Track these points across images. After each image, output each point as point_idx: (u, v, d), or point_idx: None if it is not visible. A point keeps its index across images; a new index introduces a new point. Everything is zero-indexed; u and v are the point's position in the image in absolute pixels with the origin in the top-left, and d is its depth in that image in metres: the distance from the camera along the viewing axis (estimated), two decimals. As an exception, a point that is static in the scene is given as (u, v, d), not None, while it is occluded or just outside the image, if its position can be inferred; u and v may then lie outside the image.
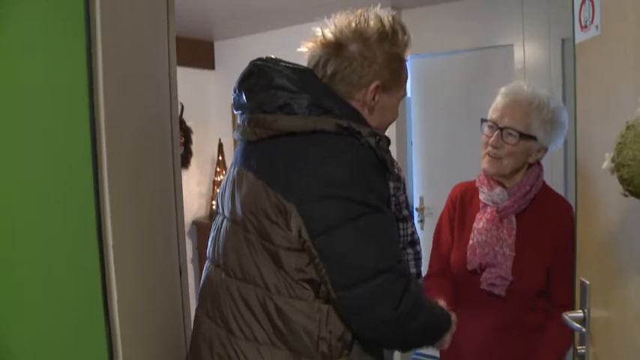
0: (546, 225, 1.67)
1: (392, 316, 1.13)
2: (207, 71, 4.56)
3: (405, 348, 1.30)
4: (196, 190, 4.58)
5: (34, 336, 0.83)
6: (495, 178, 1.74)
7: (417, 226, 4.04)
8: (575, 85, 1.28)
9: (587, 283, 1.26)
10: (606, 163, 0.84)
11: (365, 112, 1.26)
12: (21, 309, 0.82)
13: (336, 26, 1.25)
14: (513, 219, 1.70)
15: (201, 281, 1.34)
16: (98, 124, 0.93)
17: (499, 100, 1.72)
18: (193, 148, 4.30)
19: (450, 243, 1.86)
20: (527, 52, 3.46)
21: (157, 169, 1.34)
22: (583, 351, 1.29)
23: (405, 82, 1.34)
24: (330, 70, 1.24)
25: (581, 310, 1.28)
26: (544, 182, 1.74)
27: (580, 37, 1.23)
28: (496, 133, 1.68)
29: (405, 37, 1.28)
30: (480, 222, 1.73)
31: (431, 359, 3.96)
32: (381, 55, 1.24)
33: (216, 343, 1.21)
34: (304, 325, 1.14)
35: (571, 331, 1.33)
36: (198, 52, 4.47)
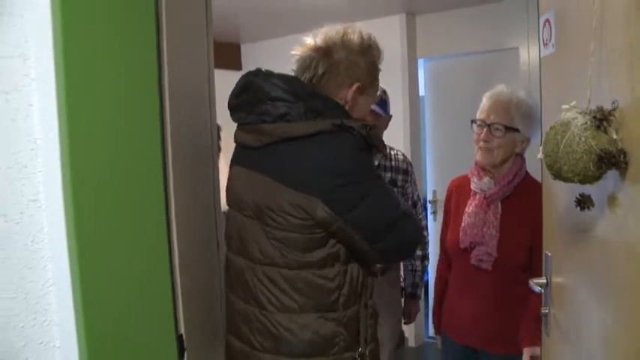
0: (527, 209, 1.94)
1: (410, 244, 1.54)
2: (234, 72, 4.86)
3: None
4: (224, 184, 4.89)
5: (117, 289, 1.14)
6: (485, 170, 2.04)
7: (430, 217, 4.31)
8: (541, 91, 1.56)
9: (549, 254, 1.54)
10: (539, 154, 1.12)
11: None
12: (110, 266, 1.12)
13: (325, 35, 1.47)
14: (499, 204, 1.98)
15: (225, 268, 1.57)
16: (165, 123, 1.23)
17: (484, 103, 2.04)
18: (222, 144, 4.62)
19: (446, 228, 2.16)
20: (532, 55, 3.69)
21: (203, 162, 1.64)
22: (546, 311, 1.56)
23: (376, 91, 1.61)
24: (320, 70, 1.43)
25: (544, 277, 1.56)
26: (527, 172, 2.02)
27: (543, 52, 1.51)
28: (485, 129, 1.98)
29: (379, 52, 1.53)
30: (470, 207, 2.03)
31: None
32: (363, 62, 1.47)
33: (252, 320, 1.45)
34: (326, 288, 1.39)
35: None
36: (226, 55, 4.79)
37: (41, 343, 1.10)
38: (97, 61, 1.07)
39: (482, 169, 2.05)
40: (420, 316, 4.46)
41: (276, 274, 1.39)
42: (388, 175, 2.47)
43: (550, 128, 1.09)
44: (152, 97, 1.16)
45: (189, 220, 1.44)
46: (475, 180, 2.05)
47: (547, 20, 1.49)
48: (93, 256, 1.07)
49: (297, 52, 1.49)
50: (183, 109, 1.41)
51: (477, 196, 2.03)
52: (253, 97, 1.41)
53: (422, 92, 4.47)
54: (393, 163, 2.49)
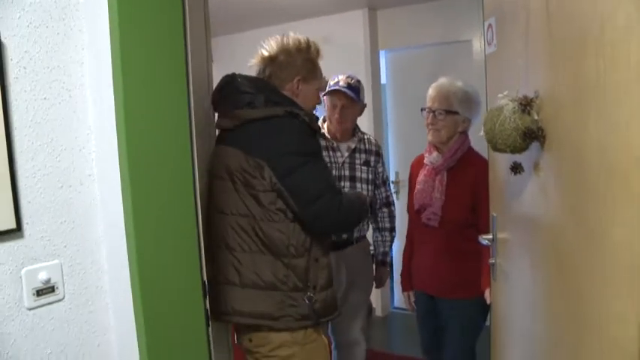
0: (468, 176, 2.37)
1: (337, 218, 1.83)
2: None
3: (344, 230, 2.18)
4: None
5: (160, 246, 1.41)
6: (436, 146, 2.46)
7: (394, 195, 4.65)
8: (486, 82, 1.90)
9: (495, 215, 1.89)
10: (481, 132, 1.46)
11: (294, 99, 1.91)
12: (152, 226, 1.39)
13: (270, 46, 1.94)
14: (444, 173, 2.41)
15: (206, 227, 1.85)
16: (190, 116, 1.51)
17: (430, 93, 2.48)
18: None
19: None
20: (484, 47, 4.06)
21: (210, 137, 1.97)
22: (493, 261, 1.92)
23: (320, 78, 2.03)
24: (267, 72, 1.93)
25: (491, 234, 1.91)
26: (470, 147, 2.44)
27: (487, 50, 1.85)
28: (431, 114, 2.41)
29: (314, 49, 1.99)
30: (420, 176, 2.48)
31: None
32: (299, 59, 1.93)
33: (224, 261, 1.82)
34: (279, 238, 1.78)
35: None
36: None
37: (97, 287, 1.40)
38: (140, 64, 1.35)
39: (434, 146, 2.47)
40: (387, 288, 4.84)
41: (245, 222, 1.79)
42: (363, 156, 2.78)
43: (488, 112, 1.44)
44: (182, 91, 1.45)
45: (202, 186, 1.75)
46: (427, 155, 2.50)
47: (490, 25, 1.84)
48: (142, 220, 1.35)
49: (253, 61, 1.99)
50: (198, 102, 1.70)
51: (427, 167, 2.46)
52: (229, 92, 1.87)
53: (383, 81, 4.80)
54: (367, 146, 2.82)
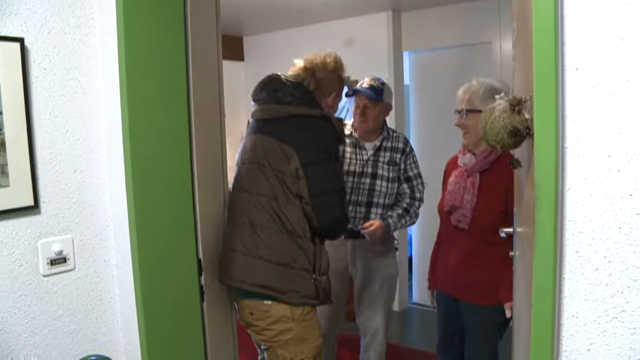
0: (501, 181, 2.22)
1: (341, 214, 2.02)
2: (237, 63, 5.34)
3: (344, 227, 2.16)
4: (229, 164, 5.35)
5: (160, 224, 1.61)
6: (469, 148, 2.37)
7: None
8: (512, 83, 2.01)
9: (516, 210, 1.95)
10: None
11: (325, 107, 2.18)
12: (153, 205, 1.59)
13: (307, 60, 2.16)
14: (477, 175, 2.30)
15: (230, 205, 2.07)
16: (190, 112, 1.70)
17: (458, 93, 2.42)
18: (226, 128, 5.08)
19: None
20: (503, 49, 4.13)
21: (216, 144, 2.06)
22: (513, 254, 1.94)
23: (342, 92, 2.30)
24: (312, 85, 2.13)
25: (512, 228, 1.96)
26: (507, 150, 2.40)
27: (513, 51, 1.95)
28: (459, 116, 2.35)
29: (342, 66, 2.24)
30: (452, 177, 2.40)
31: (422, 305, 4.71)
32: (334, 77, 2.19)
33: (244, 234, 2.00)
34: (295, 219, 1.96)
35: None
36: (229, 46, 5.21)
37: (104, 260, 1.60)
38: (143, 65, 1.54)
39: (466, 147, 2.40)
40: (404, 283, 4.95)
41: (266, 203, 1.97)
42: (387, 154, 2.78)
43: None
44: (182, 87, 1.64)
45: (205, 194, 1.90)
46: (460, 156, 2.42)
47: (514, 29, 1.96)
48: (142, 201, 1.55)
49: (291, 70, 2.18)
50: (199, 94, 1.83)
51: (460, 169, 2.39)
52: (275, 88, 2.08)
53: (407, 81, 4.90)
54: (393, 144, 2.83)
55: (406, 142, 2.89)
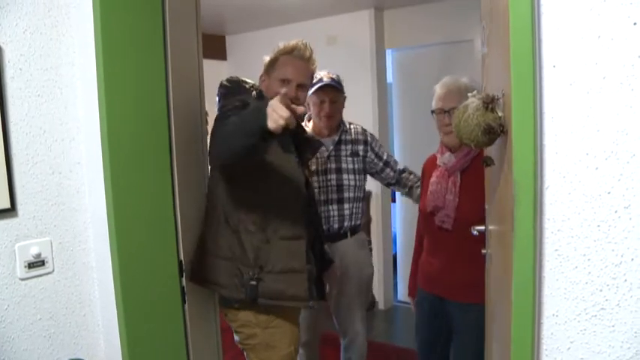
0: (482, 178, 2.18)
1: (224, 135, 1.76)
2: (220, 62, 5.32)
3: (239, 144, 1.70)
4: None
5: (139, 230, 1.59)
6: (447, 147, 2.30)
7: (397, 194, 4.76)
8: (482, 81, 2.01)
9: (487, 207, 1.97)
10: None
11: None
12: (133, 210, 1.57)
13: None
14: (458, 174, 2.25)
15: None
16: (170, 112, 1.68)
17: (439, 92, 2.27)
18: (208, 128, 5.06)
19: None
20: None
21: (197, 143, 2.06)
22: (484, 252, 1.99)
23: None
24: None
25: (484, 226, 1.98)
26: None
27: (483, 50, 1.96)
28: (445, 115, 2.23)
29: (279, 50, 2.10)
30: (433, 177, 2.33)
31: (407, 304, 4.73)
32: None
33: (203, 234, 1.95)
34: (229, 211, 1.90)
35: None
36: (212, 45, 5.20)
37: (83, 263, 1.58)
38: (124, 63, 1.52)
39: (446, 146, 2.32)
40: (389, 281, 4.97)
41: (210, 198, 1.97)
42: (349, 147, 2.73)
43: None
44: (161, 87, 1.62)
45: (187, 192, 1.89)
46: (439, 155, 2.35)
47: (483, 27, 1.96)
48: (121, 203, 1.53)
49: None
50: (179, 93, 1.80)
51: (440, 168, 2.32)
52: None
53: (389, 79, 4.91)
54: (353, 136, 2.77)
55: (364, 131, 2.86)
